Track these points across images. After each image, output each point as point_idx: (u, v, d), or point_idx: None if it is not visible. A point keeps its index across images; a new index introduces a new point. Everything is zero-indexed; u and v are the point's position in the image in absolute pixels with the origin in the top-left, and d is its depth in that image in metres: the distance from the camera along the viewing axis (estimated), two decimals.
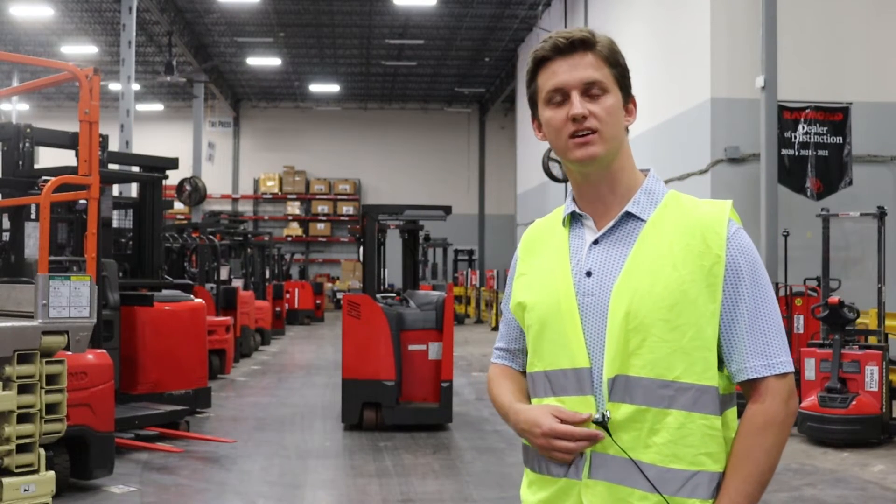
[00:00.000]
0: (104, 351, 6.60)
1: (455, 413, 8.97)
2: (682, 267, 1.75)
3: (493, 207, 33.82)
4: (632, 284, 1.76)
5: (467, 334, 21.06)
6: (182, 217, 24.19)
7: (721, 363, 1.78)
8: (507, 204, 31.42)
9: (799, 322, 10.26)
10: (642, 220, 1.81)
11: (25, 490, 4.87)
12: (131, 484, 6.57)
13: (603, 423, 1.74)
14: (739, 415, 1.81)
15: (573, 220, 1.90)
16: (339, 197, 33.27)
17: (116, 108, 17.46)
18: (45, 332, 4.92)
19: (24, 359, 4.91)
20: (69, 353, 5.19)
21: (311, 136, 33.55)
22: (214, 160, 28.55)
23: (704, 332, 1.74)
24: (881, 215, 8.87)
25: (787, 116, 11.77)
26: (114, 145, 15.03)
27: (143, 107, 29.96)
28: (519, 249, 2.02)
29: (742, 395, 1.84)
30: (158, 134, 30.44)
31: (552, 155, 16.83)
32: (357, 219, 30.21)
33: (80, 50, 25.62)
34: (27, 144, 7.15)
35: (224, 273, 14.73)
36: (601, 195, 1.85)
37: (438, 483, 6.80)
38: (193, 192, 22.23)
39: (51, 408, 5.09)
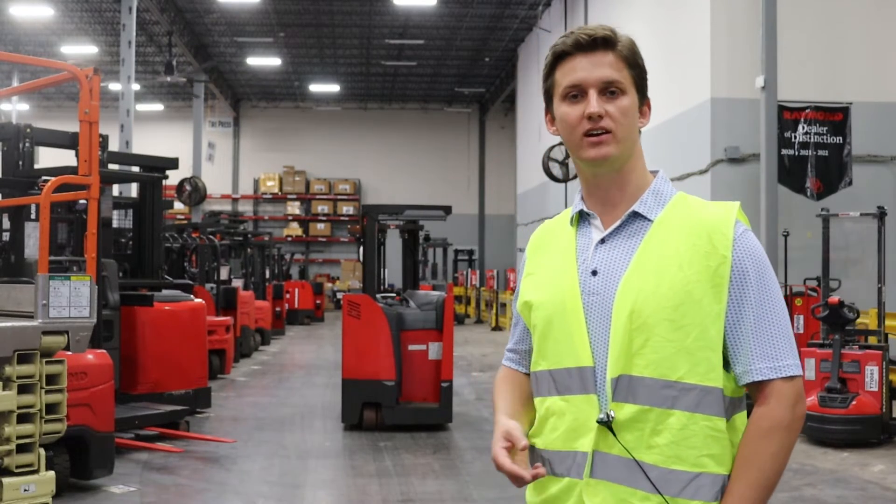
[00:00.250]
0: (104, 351, 6.60)
1: (455, 413, 8.97)
2: (687, 267, 1.74)
3: (493, 207, 33.82)
4: (637, 284, 1.75)
5: (467, 334, 21.06)
6: (182, 217, 24.19)
7: (728, 365, 1.76)
8: (507, 204, 31.42)
9: (799, 322, 10.27)
10: (649, 220, 1.81)
11: (25, 490, 4.88)
12: (131, 484, 6.57)
13: (607, 423, 1.73)
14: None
15: (581, 219, 1.90)
16: (339, 197, 33.28)
17: (116, 108, 17.46)
18: (45, 332, 4.92)
19: (24, 359, 4.91)
20: (69, 353, 5.19)
21: (311, 136, 33.55)
22: (214, 160, 28.55)
23: (709, 332, 1.73)
24: (881, 215, 8.87)
25: (787, 116, 11.77)
26: (114, 145, 15.03)
27: (143, 107, 29.96)
28: (527, 249, 2.02)
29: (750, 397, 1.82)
30: (158, 134, 30.44)
31: (552, 155, 16.83)
32: (357, 219, 30.22)
33: (80, 50, 25.62)
34: (27, 144, 7.15)
35: (224, 273, 14.74)
36: (610, 195, 1.84)
37: (438, 483, 6.80)
38: (193, 192, 22.23)
39: (51, 408, 5.09)
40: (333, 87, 30.78)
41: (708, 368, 1.72)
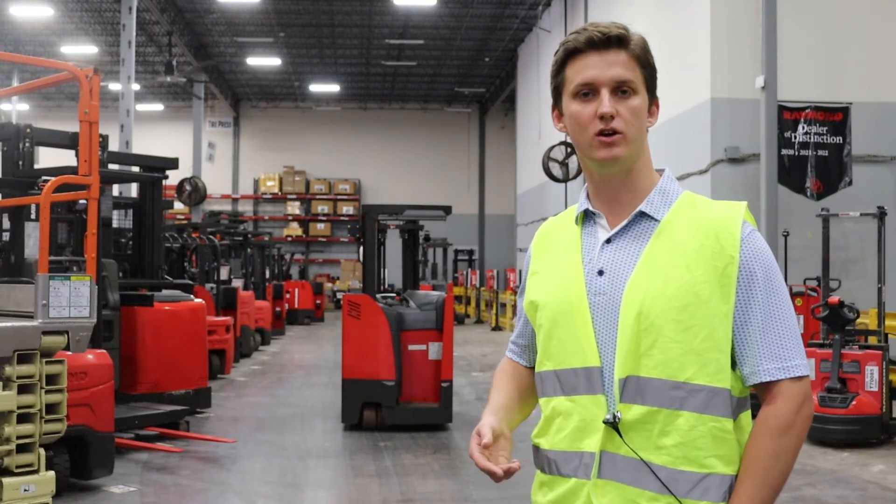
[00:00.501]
0: (104, 351, 6.60)
1: (455, 413, 8.96)
2: (695, 267, 1.73)
3: (493, 207, 33.82)
4: (644, 284, 1.74)
5: (467, 334, 21.06)
6: (182, 217, 24.19)
7: (735, 365, 1.76)
8: (507, 204, 31.42)
9: (799, 322, 10.27)
10: (656, 220, 1.80)
11: (25, 490, 4.87)
12: (131, 484, 6.57)
13: (613, 424, 1.73)
14: (754, 417, 1.79)
15: (586, 217, 1.89)
16: (339, 197, 33.28)
17: (116, 108, 17.46)
18: (45, 332, 4.92)
19: (24, 359, 4.91)
20: (69, 353, 5.19)
21: (311, 136, 33.55)
22: (214, 160, 28.56)
23: (717, 333, 1.72)
24: (881, 215, 8.87)
25: (787, 116, 11.77)
26: (114, 145, 15.04)
27: (143, 107, 29.96)
28: (532, 247, 2.01)
29: (756, 397, 1.82)
30: (158, 134, 30.43)
31: (552, 155, 16.83)
32: (357, 219, 30.22)
33: (80, 50, 25.63)
34: (27, 144, 7.15)
35: (224, 273, 14.73)
36: (617, 194, 1.83)
37: (438, 483, 6.80)
38: (193, 192, 22.23)
39: (51, 408, 5.08)
40: (333, 87, 30.78)
41: (716, 369, 1.72)
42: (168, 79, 22.81)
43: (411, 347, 8.82)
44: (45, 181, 5.94)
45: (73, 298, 4.97)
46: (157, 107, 32.11)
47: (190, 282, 12.12)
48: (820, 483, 6.74)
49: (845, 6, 12.52)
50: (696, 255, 1.74)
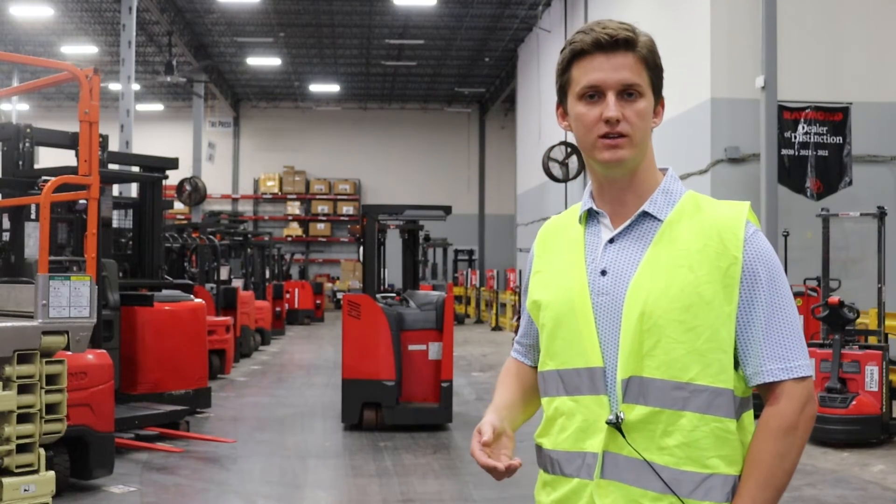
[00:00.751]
0: (104, 351, 6.60)
1: (455, 413, 8.97)
2: (698, 268, 1.73)
3: (493, 207, 33.81)
4: (647, 285, 1.74)
5: (467, 334, 21.06)
6: (182, 217, 24.18)
7: (738, 365, 1.76)
8: (507, 204, 31.41)
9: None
10: (659, 220, 1.80)
11: (25, 490, 4.87)
12: (131, 484, 6.57)
13: (616, 425, 1.73)
14: (757, 417, 1.79)
15: (590, 217, 1.88)
16: (339, 197, 33.28)
17: (116, 108, 17.47)
18: (45, 332, 4.92)
19: (24, 359, 4.91)
20: (69, 353, 5.19)
21: (311, 136, 33.55)
22: (214, 160, 28.55)
23: (720, 333, 1.72)
24: (881, 215, 8.87)
25: (787, 116, 11.77)
26: (114, 145, 15.03)
27: (143, 107, 29.96)
28: (535, 246, 2.00)
29: (759, 397, 1.82)
30: (158, 134, 30.43)
31: (552, 155, 16.82)
32: (357, 219, 30.22)
33: (80, 50, 25.62)
34: (27, 144, 7.15)
35: (224, 273, 14.73)
36: (621, 194, 1.83)
37: (438, 483, 6.80)
38: (193, 192, 22.23)
39: (51, 408, 5.09)
40: (333, 87, 30.78)
41: (719, 370, 1.72)
42: (168, 79, 22.81)
43: (411, 347, 8.82)
44: (45, 181, 5.95)
45: (73, 298, 4.98)
46: (157, 107, 32.11)
47: (190, 282, 12.12)
48: (820, 483, 6.74)
49: (845, 6, 12.52)
50: (699, 256, 1.74)
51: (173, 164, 9.62)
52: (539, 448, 1.89)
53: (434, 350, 8.81)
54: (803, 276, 10.76)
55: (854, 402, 7.88)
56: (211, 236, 14.98)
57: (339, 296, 26.46)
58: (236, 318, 14.06)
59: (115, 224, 9.39)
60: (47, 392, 5.04)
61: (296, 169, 33.25)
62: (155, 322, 8.79)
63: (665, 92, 1.86)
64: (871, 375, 7.96)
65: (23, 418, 4.91)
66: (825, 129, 11.83)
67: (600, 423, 1.75)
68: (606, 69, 1.76)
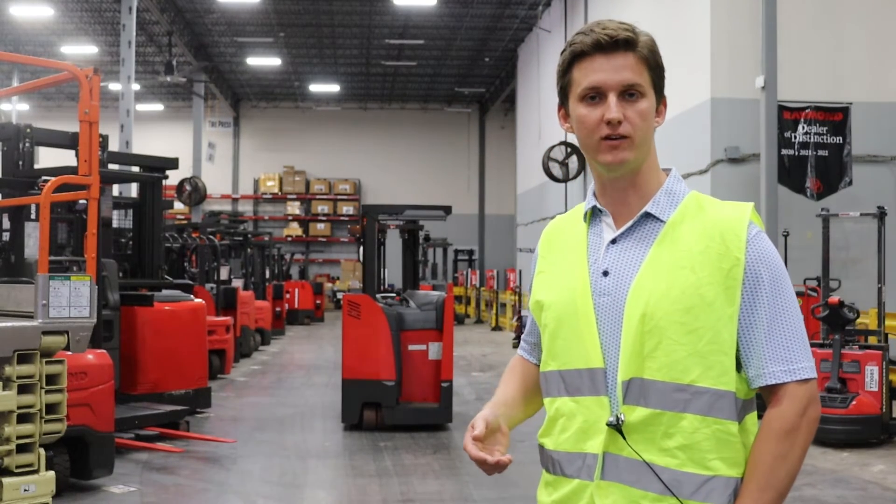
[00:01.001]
0: (104, 351, 6.60)
1: (455, 413, 8.96)
2: (700, 269, 1.72)
3: (493, 207, 33.81)
4: (648, 286, 1.74)
5: (467, 334, 21.06)
6: (182, 217, 24.19)
7: (740, 367, 1.75)
8: (507, 204, 31.41)
9: None
10: (661, 221, 1.79)
11: (25, 490, 4.87)
12: (131, 484, 6.58)
13: (616, 426, 1.72)
14: (760, 419, 1.78)
15: (593, 215, 1.88)
16: (339, 197, 33.28)
17: (116, 108, 17.46)
18: (45, 332, 4.92)
19: (24, 359, 4.91)
20: (69, 353, 5.19)
21: (311, 136, 33.55)
22: (214, 160, 28.55)
23: (721, 335, 1.71)
24: (881, 215, 8.87)
25: (787, 116, 11.77)
26: (114, 145, 15.03)
27: (143, 107, 29.96)
28: (539, 245, 2.00)
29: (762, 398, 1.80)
30: (158, 134, 30.44)
31: (552, 155, 16.83)
32: (357, 219, 30.22)
33: (80, 50, 25.62)
34: (27, 144, 7.15)
35: (224, 273, 14.74)
36: (623, 195, 1.83)
37: (438, 483, 6.80)
38: (193, 192, 22.23)
39: (51, 408, 5.09)
40: (333, 87, 30.78)
41: (721, 372, 1.71)
42: (168, 79, 22.82)
43: (411, 347, 8.82)
44: (45, 181, 5.95)
45: (73, 298, 4.98)
46: (157, 107, 32.11)
47: (190, 282, 12.13)
48: (820, 483, 6.74)
49: (845, 6, 12.52)
50: (701, 257, 1.73)
51: (173, 164, 9.62)
52: (541, 448, 1.89)
53: (434, 350, 8.81)
54: (803, 276, 10.76)
55: (854, 402, 7.88)
56: (211, 236, 14.98)
57: (339, 296, 26.47)
58: (236, 318, 14.06)
59: (115, 224, 9.40)
60: (47, 392, 5.04)
61: (296, 169, 33.25)
62: (155, 322, 8.79)
63: (665, 92, 1.85)
64: (871, 375, 7.96)
65: (23, 418, 4.91)
66: (825, 129, 11.83)
67: (601, 424, 1.75)
68: (607, 70, 1.75)
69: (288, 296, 22.52)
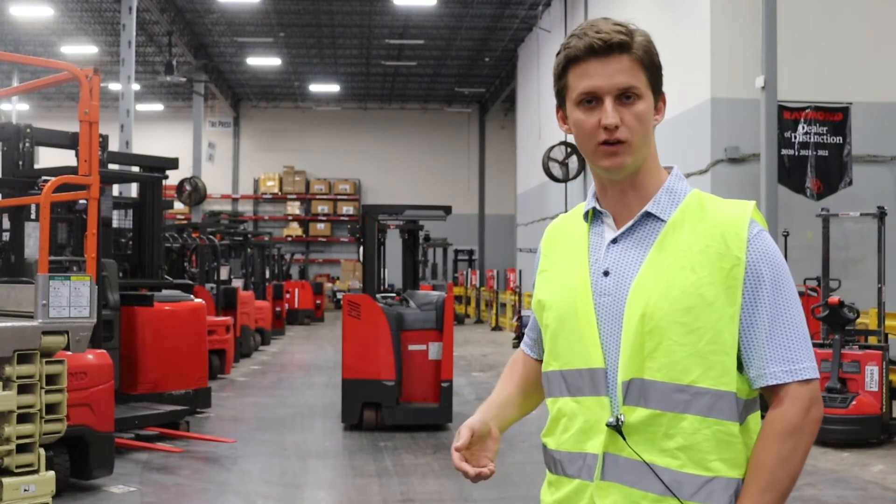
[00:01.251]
0: (104, 351, 6.60)
1: (455, 413, 8.96)
2: (700, 269, 1.71)
3: (493, 207, 33.82)
4: (648, 286, 1.73)
5: (467, 334, 21.06)
6: (182, 217, 24.19)
7: (742, 367, 1.74)
8: (507, 204, 31.41)
9: None
10: (662, 221, 1.78)
11: (25, 490, 4.87)
12: (131, 484, 6.57)
13: (616, 427, 1.72)
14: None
15: (594, 217, 1.87)
16: (339, 197, 33.28)
17: (116, 108, 17.46)
18: (45, 332, 4.92)
19: (24, 359, 4.91)
20: (69, 353, 5.19)
21: (311, 136, 33.55)
22: (214, 160, 28.55)
23: (722, 335, 1.70)
24: (881, 215, 8.87)
25: (787, 116, 11.77)
26: (114, 145, 15.03)
27: (143, 107, 29.96)
28: (542, 245, 2.00)
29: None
30: (158, 134, 30.44)
31: (552, 155, 16.83)
32: (357, 219, 30.22)
33: (80, 50, 25.62)
34: (27, 144, 7.15)
35: (224, 273, 14.74)
36: (624, 195, 1.82)
37: (438, 483, 6.80)
38: (193, 192, 22.24)
39: (51, 408, 5.09)
40: (333, 87, 30.78)
41: (721, 372, 1.70)
42: (168, 79, 22.82)
43: (411, 347, 8.82)
44: (45, 181, 5.94)
45: (73, 298, 4.98)
46: (157, 107, 32.11)
47: (190, 282, 12.12)
48: (820, 483, 6.74)
49: (845, 6, 12.52)
50: (701, 257, 1.72)
51: (173, 164, 9.62)
52: (544, 448, 1.89)
53: (434, 350, 8.81)
54: (803, 276, 10.76)
55: (854, 402, 7.88)
56: (211, 236, 14.98)
57: (339, 296, 26.46)
58: (236, 318, 14.06)
59: (115, 224, 9.39)
60: (47, 392, 5.04)
61: (296, 169, 33.25)
62: (155, 322, 8.79)
63: (665, 92, 1.85)
64: (871, 375, 7.96)
65: (23, 418, 4.91)
66: (825, 129, 11.83)
67: (601, 424, 1.74)
68: (602, 75, 1.74)
69: (288, 296, 22.52)
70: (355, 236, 17.86)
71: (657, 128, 1.84)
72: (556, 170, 16.75)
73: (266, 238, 21.18)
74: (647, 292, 1.73)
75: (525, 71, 25.80)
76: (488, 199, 33.93)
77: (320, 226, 33.37)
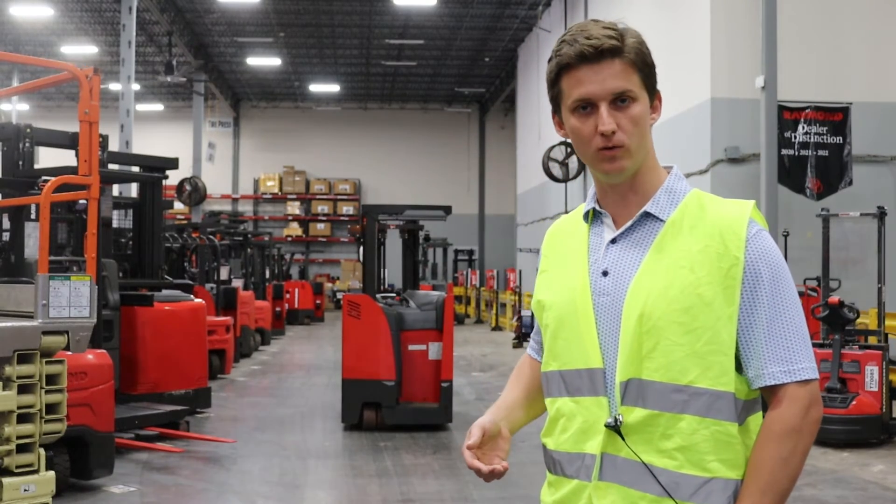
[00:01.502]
0: (104, 351, 6.60)
1: (455, 413, 8.96)
2: (698, 269, 1.71)
3: (493, 207, 33.82)
4: (647, 286, 1.72)
5: (467, 334, 21.06)
6: (182, 217, 24.19)
7: (741, 368, 1.73)
8: (507, 204, 31.42)
9: None
10: (661, 220, 1.78)
11: (25, 490, 4.87)
12: (131, 484, 6.57)
13: (614, 427, 1.72)
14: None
15: (594, 217, 1.88)
16: (339, 197, 33.28)
17: (116, 108, 17.47)
18: (45, 332, 4.92)
19: (24, 359, 4.91)
20: (69, 353, 5.19)
21: (311, 136, 33.55)
22: (214, 160, 28.56)
23: (720, 335, 1.69)
24: (881, 215, 8.87)
25: (787, 116, 11.77)
26: (114, 145, 15.04)
27: (143, 107, 29.96)
28: (543, 245, 2.00)
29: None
30: (158, 134, 30.44)
31: (552, 155, 16.82)
32: (357, 219, 30.22)
33: (80, 50, 25.62)
34: (27, 144, 7.15)
35: (224, 273, 14.73)
36: (623, 196, 1.82)
37: (438, 483, 6.80)
38: (193, 192, 22.24)
39: (51, 408, 5.09)
40: (333, 87, 30.78)
41: (719, 372, 1.69)
42: (168, 79, 22.84)
43: (411, 347, 8.82)
44: (45, 181, 5.95)
45: (73, 298, 4.98)
46: (157, 107, 32.12)
47: (190, 282, 12.12)
48: (820, 483, 6.74)
49: (845, 6, 12.52)
50: (699, 256, 1.72)
51: (173, 164, 9.62)
52: (544, 448, 1.89)
53: (434, 350, 8.81)
54: (803, 276, 10.76)
55: (854, 402, 7.88)
56: (211, 236, 14.98)
57: (339, 296, 26.46)
58: (236, 318, 14.06)
59: (115, 224, 9.39)
60: (47, 392, 5.04)
61: (296, 169, 33.25)
62: (155, 322, 8.79)
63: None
64: (871, 375, 7.96)
65: (23, 418, 4.92)
66: (825, 129, 11.83)
67: (599, 424, 1.74)
68: (595, 81, 1.73)
69: (288, 296, 22.52)
70: (355, 236, 17.89)
71: (657, 128, 1.84)
72: (556, 170, 16.75)
73: (266, 238, 21.17)
74: (645, 292, 1.73)
75: (525, 71, 25.80)
76: (488, 199, 33.94)
77: (320, 226, 33.38)
